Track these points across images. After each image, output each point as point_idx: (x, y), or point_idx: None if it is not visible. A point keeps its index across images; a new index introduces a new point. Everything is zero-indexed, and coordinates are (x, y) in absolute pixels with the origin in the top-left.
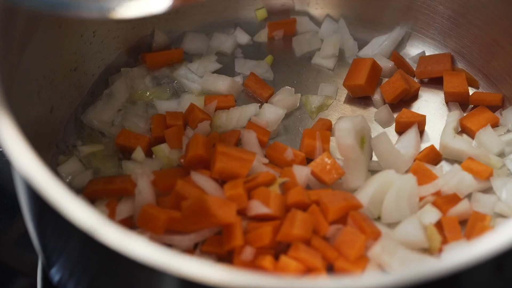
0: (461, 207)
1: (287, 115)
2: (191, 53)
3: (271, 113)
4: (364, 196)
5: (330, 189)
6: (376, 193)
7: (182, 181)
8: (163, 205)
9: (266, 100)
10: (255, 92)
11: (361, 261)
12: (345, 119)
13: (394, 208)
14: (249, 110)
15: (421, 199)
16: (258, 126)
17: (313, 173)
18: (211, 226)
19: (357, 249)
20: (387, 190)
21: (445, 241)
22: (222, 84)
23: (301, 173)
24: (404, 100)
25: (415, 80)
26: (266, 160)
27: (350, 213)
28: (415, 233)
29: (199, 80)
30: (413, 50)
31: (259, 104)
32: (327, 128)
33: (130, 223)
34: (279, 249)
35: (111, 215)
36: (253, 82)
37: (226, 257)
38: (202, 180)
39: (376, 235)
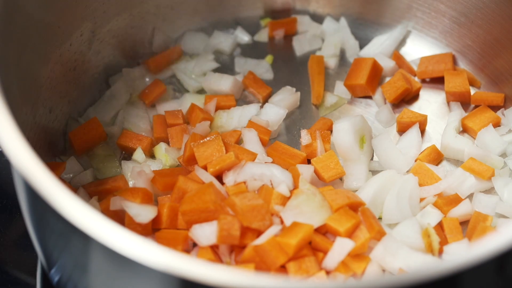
0: (462, 208)
1: (288, 115)
2: (191, 53)
3: (272, 113)
4: (365, 197)
5: (331, 186)
6: (377, 193)
7: (183, 177)
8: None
9: (264, 99)
10: (253, 91)
11: (362, 260)
12: (343, 119)
13: (395, 208)
14: (250, 110)
15: (422, 200)
16: (258, 125)
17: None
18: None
19: (359, 244)
20: (388, 190)
21: (446, 241)
22: (224, 83)
23: (306, 171)
24: (405, 100)
25: (416, 79)
26: (268, 159)
27: (360, 208)
28: (414, 236)
29: (198, 77)
30: (414, 50)
31: (260, 104)
32: (328, 128)
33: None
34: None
35: (105, 211)
36: (251, 81)
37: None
38: (205, 175)
39: (380, 235)
